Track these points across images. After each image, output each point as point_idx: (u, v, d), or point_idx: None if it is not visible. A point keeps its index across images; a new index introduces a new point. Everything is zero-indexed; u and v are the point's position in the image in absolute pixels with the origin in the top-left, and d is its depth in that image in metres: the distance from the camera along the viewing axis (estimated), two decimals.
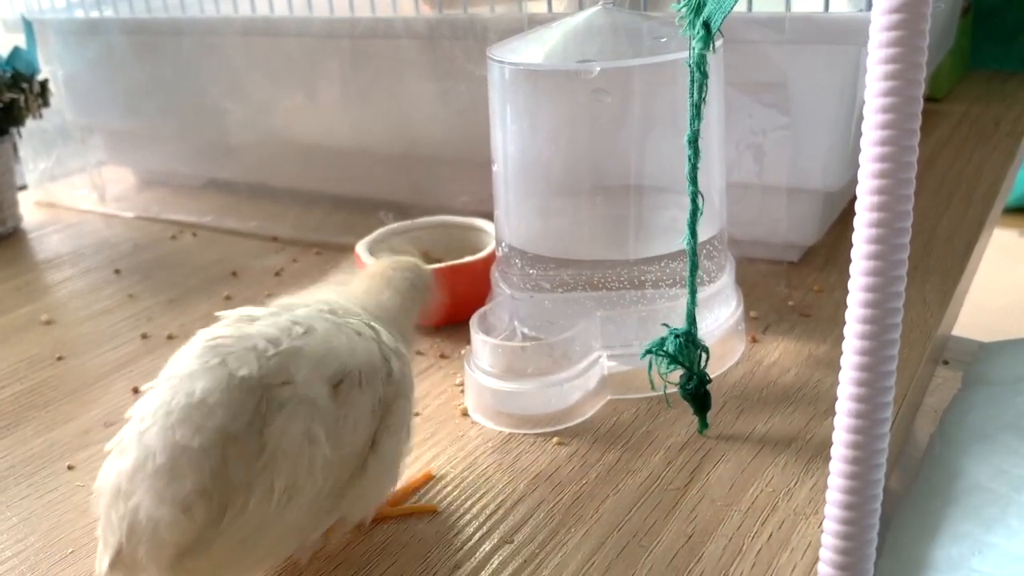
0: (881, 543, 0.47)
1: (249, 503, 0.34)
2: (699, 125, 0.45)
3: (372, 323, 0.42)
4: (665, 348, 0.48)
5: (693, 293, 0.48)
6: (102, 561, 0.34)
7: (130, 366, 0.62)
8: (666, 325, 0.49)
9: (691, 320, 0.48)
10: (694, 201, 0.46)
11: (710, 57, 0.45)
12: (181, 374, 0.36)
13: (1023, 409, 0.63)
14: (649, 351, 0.48)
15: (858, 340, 0.31)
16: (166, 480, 0.34)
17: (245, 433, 0.35)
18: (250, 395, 0.35)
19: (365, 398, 0.39)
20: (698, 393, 0.49)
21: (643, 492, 0.45)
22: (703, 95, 0.45)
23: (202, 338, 0.38)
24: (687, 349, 0.48)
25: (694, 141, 0.45)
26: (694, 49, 0.44)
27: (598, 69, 0.50)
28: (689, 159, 0.46)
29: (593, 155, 0.55)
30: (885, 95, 0.29)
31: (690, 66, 0.44)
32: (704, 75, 0.44)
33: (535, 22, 0.63)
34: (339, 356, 0.38)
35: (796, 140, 0.62)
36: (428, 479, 0.47)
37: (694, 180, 0.46)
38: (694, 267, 0.48)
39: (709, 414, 0.50)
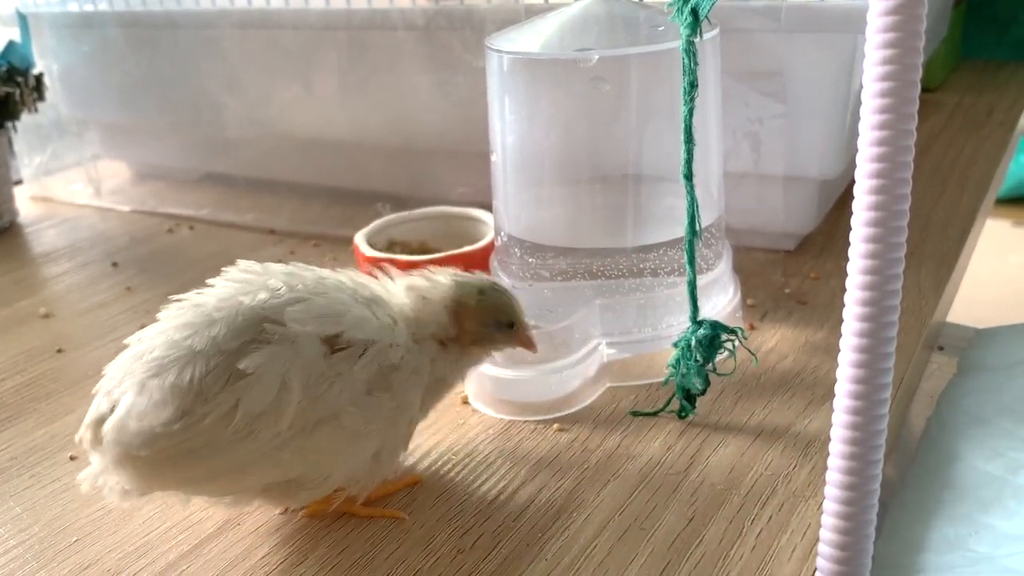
0: (879, 525, 0.47)
1: (207, 418, 0.37)
2: (691, 111, 0.45)
3: (393, 314, 0.43)
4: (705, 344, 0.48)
5: (693, 284, 0.48)
6: (81, 429, 0.39)
7: None
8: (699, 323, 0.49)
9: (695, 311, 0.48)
10: (690, 192, 0.46)
11: (702, 45, 0.45)
12: (204, 292, 0.42)
13: (1018, 393, 0.63)
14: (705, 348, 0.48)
15: (857, 324, 0.31)
16: (153, 371, 0.38)
17: (233, 354, 0.38)
18: (250, 323, 0.39)
19: (361, 372, 0.40)
20: (704, 389, 0.49)
21: (643, 477, 0.46)
22: (694, 83, 0.45)
23: (234, 267, 0.43)
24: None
25: (688, 128, 0.45)
26: (682, 36, 0.44)
27: (596, 58, 0.50)
28: (684, 150, 0.45)
29: (591, 144, 0.55)
30: (883, 80, 0.29)
31: (681, 52, 0.44)
32: (694, 62, 0.44)
33: (532, 12, 0.63)
34: (345, 322, 0.40)
35: (792, 129, 0.63)
36: (412, 483, 0.47)
37: (689, 172, 0.46)
38: (691, 259, 0.48)
39: (707, 399, 0.51)
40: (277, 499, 0.43)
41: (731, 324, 0.56)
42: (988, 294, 1.54)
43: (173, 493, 0.41)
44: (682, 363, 0.48)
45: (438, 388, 0.45)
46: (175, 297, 0.42)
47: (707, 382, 0.48)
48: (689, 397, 0.50)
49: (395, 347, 0.42)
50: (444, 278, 0.45)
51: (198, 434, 0.38)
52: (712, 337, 0.48)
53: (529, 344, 0.47)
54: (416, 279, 0.45)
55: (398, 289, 0.45)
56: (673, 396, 0.50)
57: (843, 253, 0.31)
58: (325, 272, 0.44)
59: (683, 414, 0.50)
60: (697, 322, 0.48)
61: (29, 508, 0.47)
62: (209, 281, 0.43)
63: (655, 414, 0.50)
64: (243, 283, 0.42)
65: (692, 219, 0.47)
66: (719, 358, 0.48)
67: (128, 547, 0.43)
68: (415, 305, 0.44)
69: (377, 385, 0.41)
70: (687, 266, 0.48)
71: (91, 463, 0.40)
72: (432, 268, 0.46)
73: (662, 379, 0.50)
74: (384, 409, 0.41)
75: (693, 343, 0.48)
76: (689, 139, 0.45)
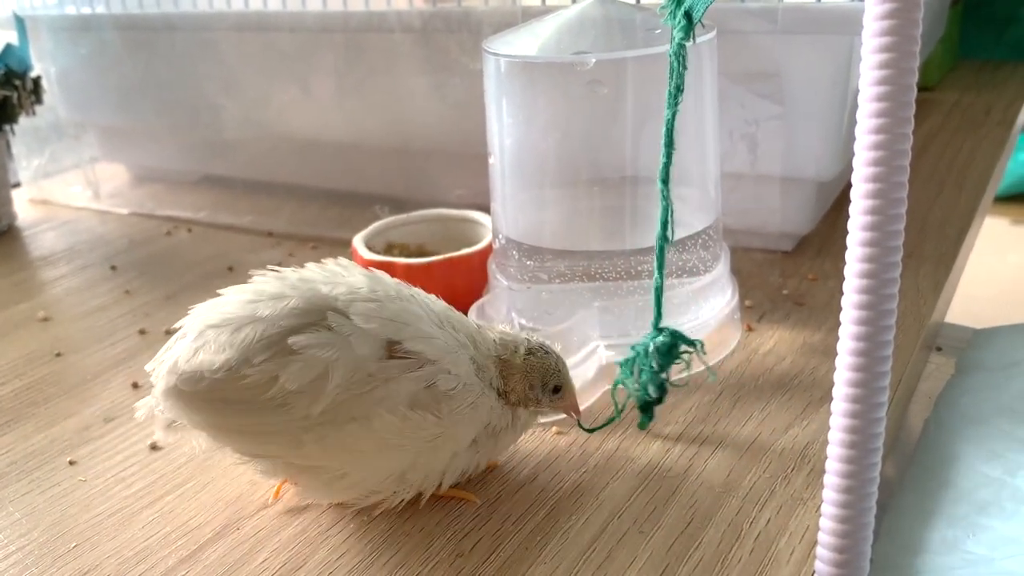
0: (877, 527, 0.47)
1: (248, 377, 0.39)
2: (673, 116, 0.45)
3: (469, 347, 0.43)
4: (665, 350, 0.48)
5: (659, 290, 0.48)
6: (163, 367, 0.42)
7: (128, 362, 0.62)
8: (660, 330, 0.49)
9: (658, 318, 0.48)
10: (665, 201, 0.46)
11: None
12: (295, 269, 0.44)
13: (1016, 393, 0.63)
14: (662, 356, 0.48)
15: (854, 326, 0.31)
16: (215, 322, 0.41)
17: (290, 330, 0.40)
18: (317, 308, 0.41)
19: (407, 384, 0.40)
20: (661, 397, 0.49)
21: (642, 480, 0.46)
22: (680, 86, 0.44)
23: (334, 260, 0.45)
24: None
25: (669, 133, 0.45)
26: (673, 39, 0.44)
27: (593, 61, 0.50)
28: (664, 154, 0.45)
29: (589, 146, 0.55)
30: (879, 83, 0.29)
31: (669, 56, 0.44)
32: (683, 66, 0.44)
33: (529, 15, 0.63)
34: (408, 332, 0.41)
35: (789, 130, 0.63)
36: (463, 497, 0.45)
37: (666, 178, 0.46)
38: (661, 265, 0.47)
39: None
40: (296, 480, 0.44)
41: (730, 325, 0.57)
42: (986, 293, 1.54)
43: (209, 436, 0.42)
44: (637, 366, 0.48)
45: (492, 437, 0.44)
46: (272, 268, 0.44)
47: (662, 391, 0.48)
48: (647, 406, 0.49)
49: (453, 375, 0.41)
50: (494, 333, 0.45)
51: (237, 389, 0.40)
52: (670, 346, 0.47)
53: (575, 410, 0.47)
54: (496, 332, 0.46)
55: (490, 336, 0.45)
56: (626, 403, 0.49)
57: (841, 254, 0.31)
58: (420, 293, 0.45)
59: (641, 425, 0.50)
60: (658, 329, 0.48)
61: (28, 513, 0.47)
62: (307, 265, 0.44)
63: (610, 423, 0.50)
64: (331, 274, 0.43)
65: (665, 224, 0.46)
66: (675, 368, 0.48)
67: (127, 552, 0.43)
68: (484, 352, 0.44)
69: (424, 404, 0.41)
70: (655, 271, 0.47)
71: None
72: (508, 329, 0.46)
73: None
74: (425, 429, 0.41)
75: (651, 348, 0.48)
76: (670, 144, 0.45)
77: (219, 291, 0.44)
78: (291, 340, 0.39)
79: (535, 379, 0.45)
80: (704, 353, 0.48)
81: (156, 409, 0.43)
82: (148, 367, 0.43)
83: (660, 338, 0.48)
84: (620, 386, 0.49)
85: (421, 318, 0.42)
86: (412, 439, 0.41)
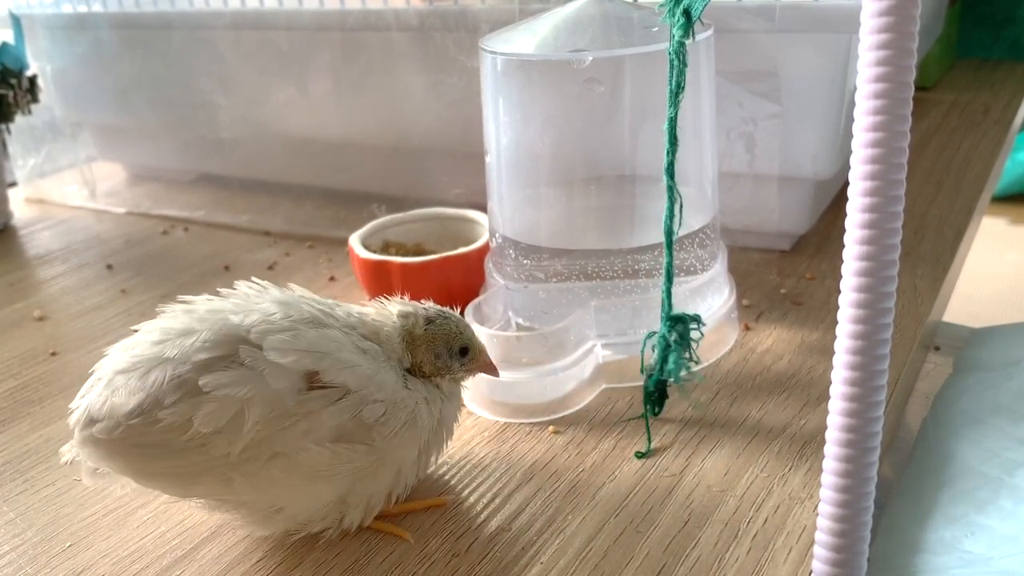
0: (875, 526, 0.47)
1: (162, 421, 0.38)
2: (675, 113, 0.44)
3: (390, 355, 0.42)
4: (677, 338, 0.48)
5: (669, 281, 0.48)
6: (75, 415, 0.40)
7: None
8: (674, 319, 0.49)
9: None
10: (671, 195, 0.46)
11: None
12: (198, 300, 0.42)
13: (1014, 393, 0.63)
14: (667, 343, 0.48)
15: (851, 325, 0.31)
16: (124, 367, 0.39)
17: (201, 367, 0.38)
18: (228, 340, 0.39)
19: (330, 418, 0.39)
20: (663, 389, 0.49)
21: (639, 479, 0.46)
22: (682, 84, 0.44)
23: (242, 282, 0.44)
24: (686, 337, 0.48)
25: (672, 130, 0.45)
26: (673, 37, 0.44)
27: (590, 59, 0.50)
28: (667, 151, 0.45)
29: (586, 145, 0.55)
30: (876, 81, 0.29)
31: (669, 54, 0.44)
32: (683, 64, 0.44)
33: (526, 13, 0.63)
34: (326, 362, 0.39)
35: (787, 129, 0.62)
36: (436, 505, 0.45)
37: (671, 173, 0.45)
38: (670, 265, 0.47)
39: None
40: (233, 516, 0.42)
41: (727, 324, 0.56)
42: (985, 292, 1.54)
43: (133, 482, 0.41)
44: (671, 357, 0.48)
45: (436, 432, 0.44)
46: (182, 298, 0.43)
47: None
48: (661, 396, 0.49)
49: (379, 402, 0.40)
50: (393, 307, 0.44)
51: (153, 434, 0.38)
52: (686, 331, 0.48)
53: (490, 369, 0.46)
54: (369, 310, 0.45)
55: (390, 312, 0.44)
56: (656, 396, 0.50)
57: (838, 253, 0.31)
58: (336, 307, 0.43)
59: (657, 411, 0.50)
60: (672, 317, 0.48)
61: (23, 513, 0.47)
62: (221, 291, 0.43)
63: (651, 415, 0.50)
64: (241, 300, 0.42)
65: (671, 217, 0.46)
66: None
67: (122, 552, 0.43)
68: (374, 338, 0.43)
69: (352, 434, 0.40)
70: (666, 262, 0.47)
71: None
72: (386, 298, 0.45)
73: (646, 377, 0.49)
74: (357, 460, 0.40)
75: (673, 338, 0.48)
76: (673, 141, 0.45)
77: (134, 328, 0.42)
78: (201, 381, 0.38)
79: (439, 347, 0.44)
80: (703, 324, 0.49)
81: (77, 457, 0.41)
82: (70, 417, 0.41)
83: (680, 325, 0.48)
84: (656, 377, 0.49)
85: (340, 345, 0.40)
86: (345, 469, 0.40)
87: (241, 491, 0.40)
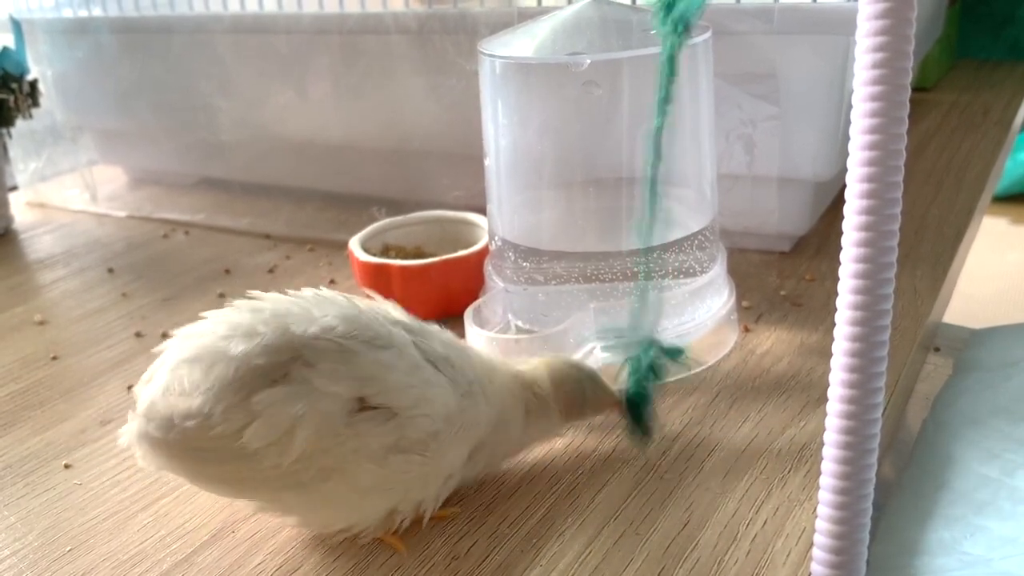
0: (874, 528, 0.47)
1: (217, 427, 0.38)
2: (661, 123, 0.44)
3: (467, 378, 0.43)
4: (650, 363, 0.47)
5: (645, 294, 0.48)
6: (139, 405, 0.40)
7: (125, 365, 0.62)
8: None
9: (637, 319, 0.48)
10: (652, 208, 0.45)
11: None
12: (267, 299, 0.42)
13: (1014, 394, 0.63)
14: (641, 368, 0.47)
15: (849, 327, 0.31)
16: (189, 354, 0.39)
17: (261, 372, 0.39)
18: (290, 347, 0.39)
19: (379, 439, 0.39)
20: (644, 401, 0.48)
21: (638, 481, 0.46)
22: (670, 94, 0.44)
23: (311, 288, 0.44)
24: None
25: (657, 140, 0.44)
26: (663, 46, 0.44)
27: (588, 62, 0.50)
28: (650, 163, 0.45)
29: (584, 148, 0.55)
30: (873, 84, 0.29)
31: (661, 64, 0.44)
32: (673, 72, 0.44)
33: (525, 16, 0.63)
34: (373, 387, 0.39)
35: (786, 130, 0.62)
36: (443, 518, 0.44)
37: (653, 187, 0.45)
38: (647, 276, 0.47)
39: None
40: (294, 521, 0.43)
41: (727, 326, 0.56)
42: (985, 292, 1.54)
43: (188, 481, 0.41)
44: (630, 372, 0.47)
45: (502, 446, 0.45)
46: (251, 293, 0.43)
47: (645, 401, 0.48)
48: (639, 420, 0.48)
49: (428, 417, 0.40)
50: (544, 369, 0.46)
51: (207, 438, 0.38)
52: (661, 365, 0.48)
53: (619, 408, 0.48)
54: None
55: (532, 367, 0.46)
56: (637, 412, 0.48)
57: (838, 254, 0.31)
58: (416, 326, 0.44)
59: (638, 442, 0.48)
60: (651, 342, 0.47)
61: (23, 517, 0.47)
62: (289, 292, 0.43)
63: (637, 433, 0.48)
64: (306, 308, 0.41)
65: (649, 228, 0.46)
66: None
67: (122, 556, 0.43)
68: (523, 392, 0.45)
69: (404, 448, 0.40)
70: (641, 273, 0.47)
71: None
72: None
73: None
74: (410, 471, 0.40)
75: (643, 363, 0.47)
76: (657, 154, 0.44)
77: (202, 314, 0.42)
78: (255, 399, 0.38)
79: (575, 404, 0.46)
80: (688, 364, 0.48)
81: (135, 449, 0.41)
82: (136, 403, 0.41)
83: (651, 353, 0.47)
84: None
85: (393, 368, 0.40)
86: (398, 480, 0.40)
87: (292, 506, 0.40)
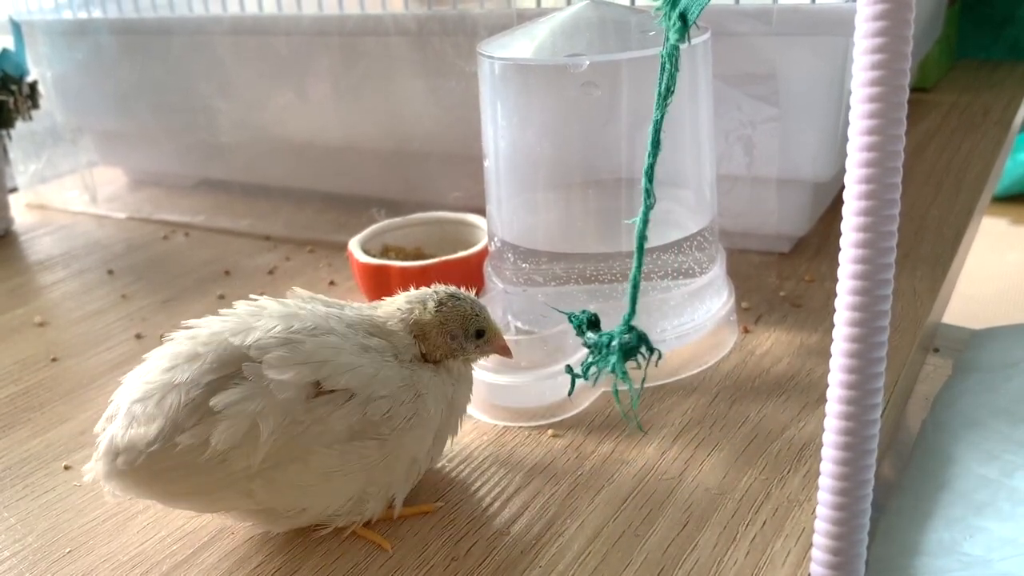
0: (874, 529, 0.47)
1: (180, 444, 0.39)
2: (661, 117, 0.44)
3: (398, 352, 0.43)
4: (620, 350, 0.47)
5: (636, 286, 0.47)
6: (100, 449, 0.41)
7: (124, 366, 0.61)
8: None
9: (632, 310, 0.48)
10: (647, 198, 0.45)
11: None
12: (201, 324, 0.43)
13: (1014, 395, 0.63)
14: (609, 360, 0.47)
15: (848, 328, 0.31)
16: (140, 396, 0.40)
17: (210, 389, 0.39)
18: (232, 359, 0.40)
19: (339, 422, 0.40)
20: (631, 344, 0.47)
21: (638, 482, 0.46)
22: (671, 88, 0.44)
23: (241, 301, 0.44)
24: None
25: (656, 134, 0.44)
26: (667, 40, 0.44)
27: (587, 63, 0.50)
28: (649, 154, 0.45)
29: (584, 149, 0.55)
30: (871, 85, 0.29)
31: (662, 56, 0.44)
32: (675, 68, 0.44)
33: (524, 17, 0.63)
34: (326, 369, 0.40)
35: (785, 131, 0.63)
36: (425, 512, 0.45)
37: (650, 176, 0.45)
38: (639, 265, 0.47)
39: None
40: (261, 523, 0.43)
41: (726, 327, 0.56)
42: (985, 292, 1.54)
43: (159, 503, 0.42)
44: (596, 351, 0.47)
45: (447, 414, 0.44)
46: (184, 323, 0.43)
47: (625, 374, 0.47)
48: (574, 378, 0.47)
49: (383, 398, 0.41)
50: (400, 298, 0.45)
51: (174, 456, 0.39)
52: (632, 347, 0.47)
53: (505, 351, 0.46)
54: (371, 308, 0.45)
55: (392, 308, 0.45)
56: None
57: (838, 255, 0.31)
58: (345, 307, 0.44)
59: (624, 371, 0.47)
60: (628, 326, 0.47)
61: (23, 519, 0.47)
62: (221, 311, 0.43)
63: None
64: (242, 319, 0.42)
65: (644, 222, 0.46)
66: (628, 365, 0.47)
67: (122, 557, 0.43)
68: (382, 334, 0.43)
69: (363, 432, 0.40)
70: (634, 267, 0.47)
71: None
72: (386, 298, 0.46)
73: (640, 382, 0.48)
74: (369, 456, 0.41)
75: (614, 342, 0.47)
76: (656, 144, 0.44)
77: (144, 356, 0.43)
78: (212, 402, 0.39)
79: (454, 327, 0.44)
80: (659, 360, 0.47)
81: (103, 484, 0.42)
82: (96, 448, 0.41)
83: (626, 336, 0.47)
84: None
85: (340, 350, 0.41)
86: (359, 465, 0.41)
87: (263, 499, 0.41)
